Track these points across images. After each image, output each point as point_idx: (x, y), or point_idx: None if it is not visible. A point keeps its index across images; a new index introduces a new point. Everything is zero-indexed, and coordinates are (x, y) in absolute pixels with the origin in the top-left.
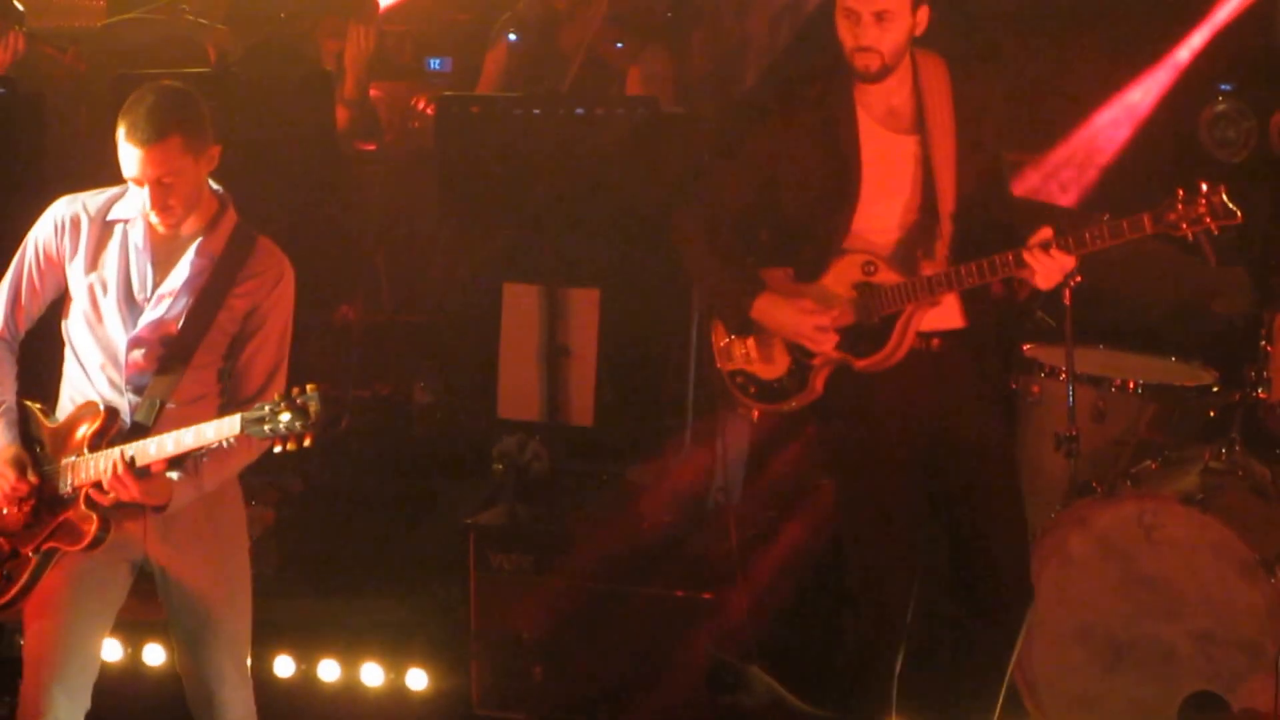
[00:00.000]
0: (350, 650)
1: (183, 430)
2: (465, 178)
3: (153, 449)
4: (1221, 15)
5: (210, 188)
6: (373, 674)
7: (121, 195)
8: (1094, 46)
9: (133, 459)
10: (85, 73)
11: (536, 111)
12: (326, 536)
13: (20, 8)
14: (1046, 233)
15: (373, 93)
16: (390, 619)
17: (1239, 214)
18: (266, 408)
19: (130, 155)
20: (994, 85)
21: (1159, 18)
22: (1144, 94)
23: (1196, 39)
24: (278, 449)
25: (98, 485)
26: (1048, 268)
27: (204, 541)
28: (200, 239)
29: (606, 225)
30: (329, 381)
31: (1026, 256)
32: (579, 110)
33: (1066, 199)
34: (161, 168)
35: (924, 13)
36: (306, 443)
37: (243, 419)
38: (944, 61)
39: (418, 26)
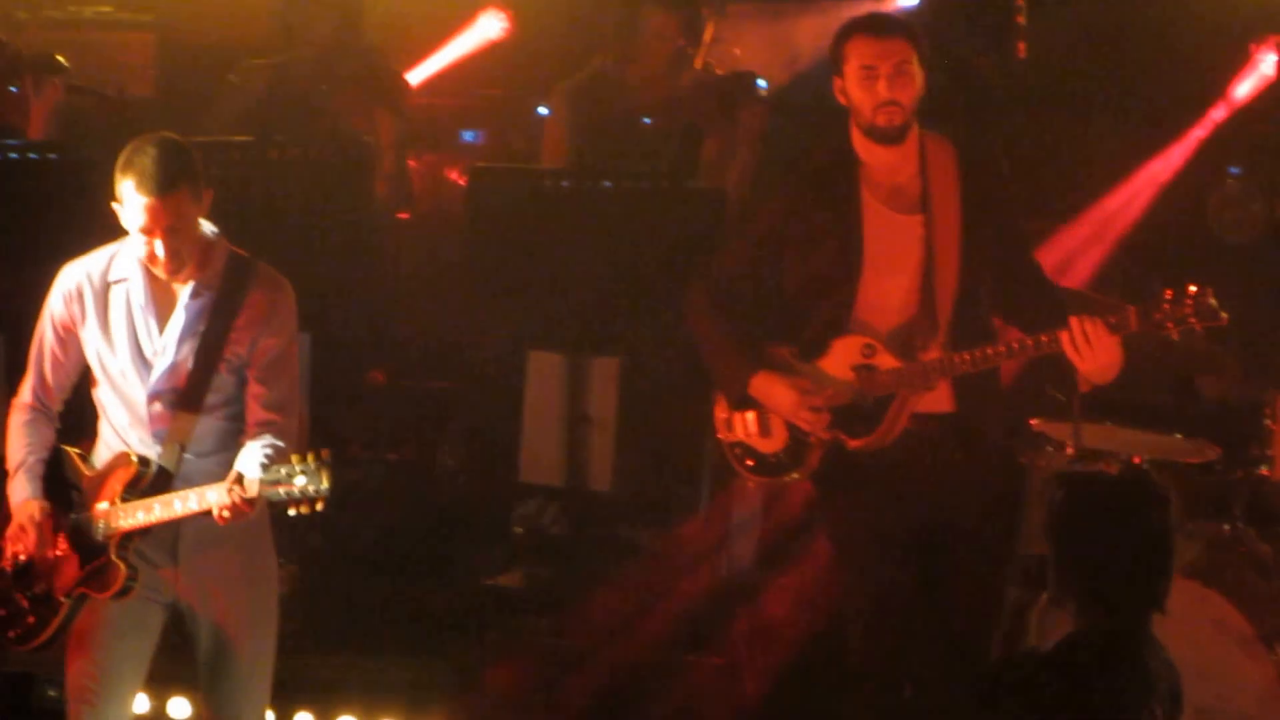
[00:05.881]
0: (368, 709)
1: (206, 488)
2: (494, 247)
3: (194, 501)
4: (1234, 98)
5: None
6: None
7: (118, 253)
8: (1106, 127)
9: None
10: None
11: (565, 183)
12: (348, 596)
13: (64, 61)
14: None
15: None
16: (408, 678)
17: (1224, 316)
18: (283, 470)
19: (140, 206)
20: (1003, 172)
21: (1171, 100)
22: (1154, 175)
23: (1208, 122)
24: (292, 511)
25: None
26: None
27: (234, 584)
28: (194, 279)
29: (629, 296)
30: (359, 444)
31: (1015, 347)
32: (606, 183)
33: (1076, 276)
34: (172, 217)
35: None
36: (318, 507)
37: (261, 481)
38: (953, 147)
39: (451, 100)
